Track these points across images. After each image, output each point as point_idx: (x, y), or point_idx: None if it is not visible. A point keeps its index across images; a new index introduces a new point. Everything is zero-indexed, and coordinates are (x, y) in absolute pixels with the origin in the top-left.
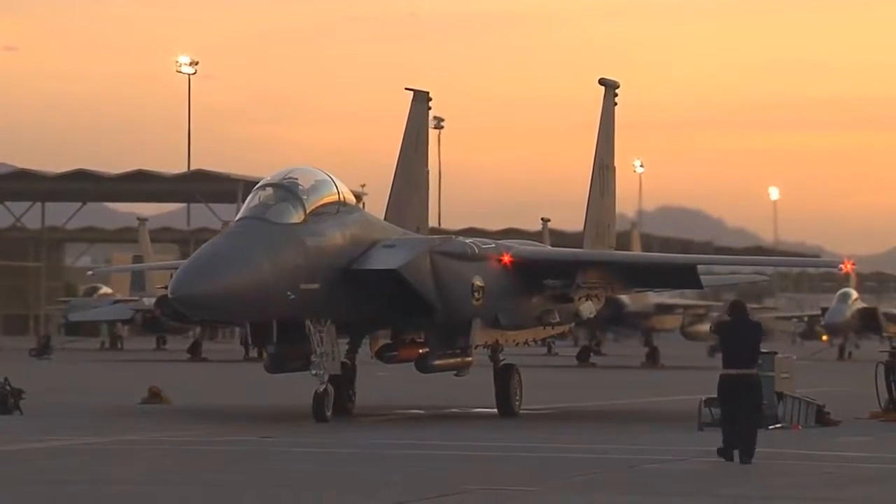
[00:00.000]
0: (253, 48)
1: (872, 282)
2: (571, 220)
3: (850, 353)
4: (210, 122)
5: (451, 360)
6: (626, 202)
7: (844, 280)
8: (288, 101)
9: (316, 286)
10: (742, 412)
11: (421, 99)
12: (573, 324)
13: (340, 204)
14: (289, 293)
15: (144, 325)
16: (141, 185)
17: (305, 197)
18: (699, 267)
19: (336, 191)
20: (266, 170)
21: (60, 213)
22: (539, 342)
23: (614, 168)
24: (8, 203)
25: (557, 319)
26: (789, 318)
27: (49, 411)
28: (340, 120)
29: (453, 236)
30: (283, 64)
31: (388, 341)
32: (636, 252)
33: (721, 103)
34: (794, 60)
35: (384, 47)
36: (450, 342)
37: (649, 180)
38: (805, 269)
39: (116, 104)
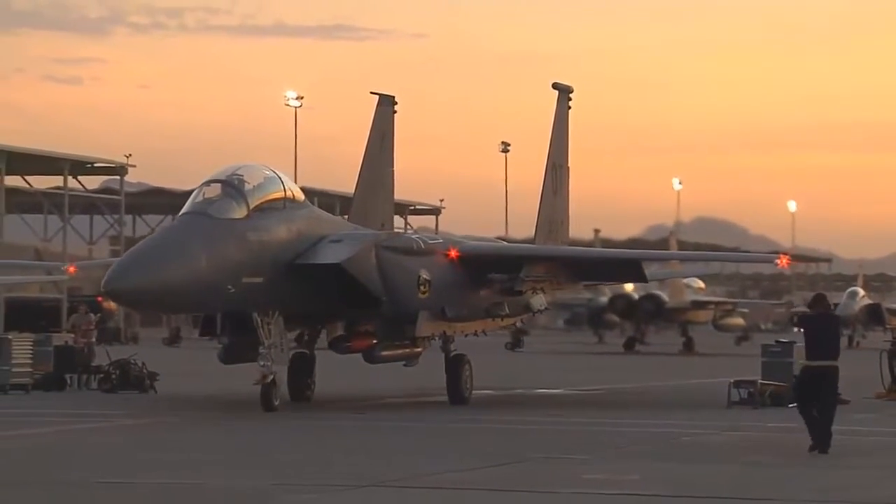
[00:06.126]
0: (347, 83)
1: (878, 282)
2: (622, 230)
3: (857, 343)
4: (312, 146)
5: (399, 351)
6: (665, 214)
7: (853, 279)
8: None
9: (259, 280)
10: (819, 402)
11: (386, 102)
12: (525, 316)
13: (287, 200)
14: (229, 287)
15: None
16: None
17: (250, 193)
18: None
19: (283, 188)
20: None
21: None
22: (485, 332)
23: (568, 168)
24: (145, 216)
25: (507, 312)
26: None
27: (179, 391)
28: (419, 143)
29: (402, 232)
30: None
31: (343, 332)
32: (583, 248)
33: (749, 127)
34: (812, 90)
35: (461, 84)
36: (398, 333)
37: (688, 195)
38: (818, 271)
39: (234, 132)
